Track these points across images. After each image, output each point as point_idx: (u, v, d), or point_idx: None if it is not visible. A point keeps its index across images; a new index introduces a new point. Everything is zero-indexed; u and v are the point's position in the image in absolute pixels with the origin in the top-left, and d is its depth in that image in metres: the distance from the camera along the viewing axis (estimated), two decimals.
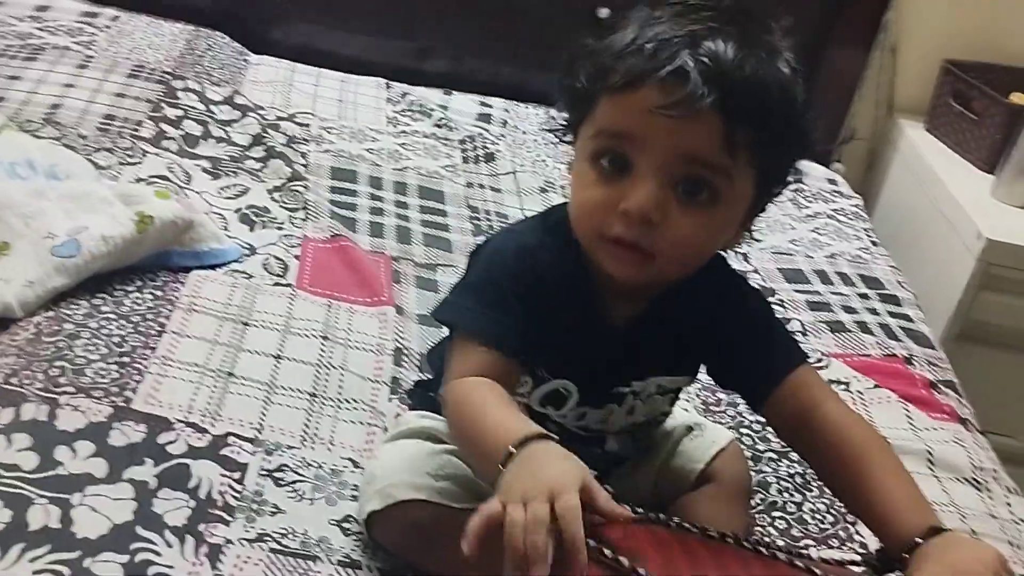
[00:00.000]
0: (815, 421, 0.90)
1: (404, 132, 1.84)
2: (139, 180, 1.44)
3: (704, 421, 1.10)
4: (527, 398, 0.94)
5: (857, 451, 0.87)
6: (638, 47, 0.80)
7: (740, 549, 0.75)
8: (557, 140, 0.93)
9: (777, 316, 0.99)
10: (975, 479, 1.22)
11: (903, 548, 0.79)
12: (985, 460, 1.26)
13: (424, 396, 1.03)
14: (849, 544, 1.09)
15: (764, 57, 0.80)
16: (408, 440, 0.98)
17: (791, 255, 1.70)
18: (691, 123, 0.78)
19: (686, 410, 1.14)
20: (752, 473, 1.10)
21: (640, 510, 0.74)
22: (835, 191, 1.97)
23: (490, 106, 2.00)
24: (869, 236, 1.82)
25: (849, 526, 1.11)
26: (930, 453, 1.24)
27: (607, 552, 0.68)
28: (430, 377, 1.09)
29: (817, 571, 0.73)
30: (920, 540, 0.78)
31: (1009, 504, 1.21)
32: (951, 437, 1.29)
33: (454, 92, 2.01)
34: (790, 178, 0.88)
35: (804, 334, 1.46)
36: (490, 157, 1.83)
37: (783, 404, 0.91)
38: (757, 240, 1.72)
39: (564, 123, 0.90)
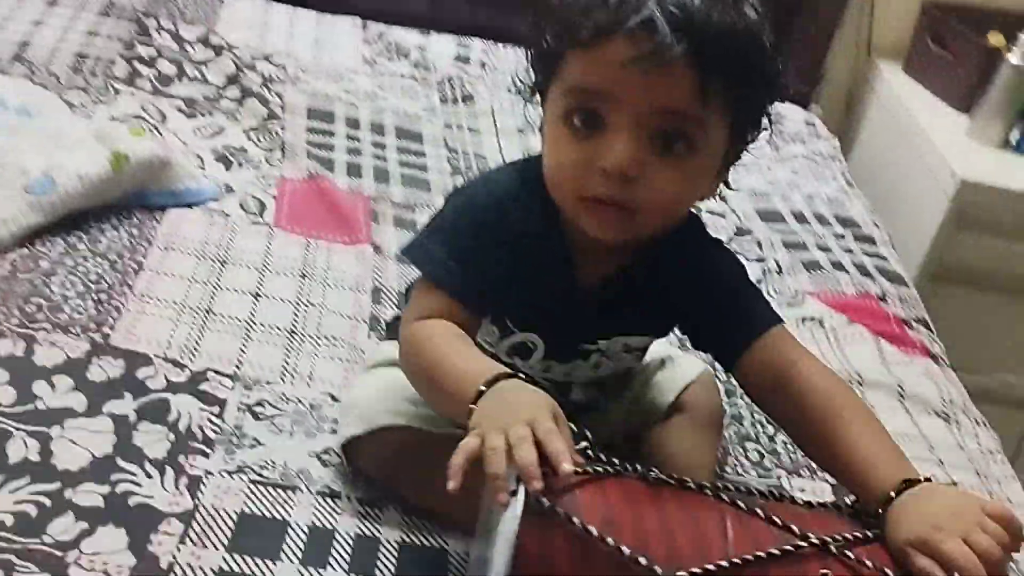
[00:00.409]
0: (787, 380, 0.87)
1: (381, 73, 1.83)
2: (113, 119, 1.43)
3: (677, 353, 1.11)
4: (494, 347, 0.94)
5: (830, 407, 0.85)
6: (603, 0, 0.79)
7: (718, 502, 0.72)
8: (525, 101, 0.91)
9: (750, 279, 0.97)
10: (944, 412, 1.24)
11: (878, 503, 0.77)
12: (954, 394, 1.29)
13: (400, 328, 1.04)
14: (820, 475, 1.11)
15: (730, 2, 0.79)
16: (386, 368, 0.98)
17: (768, 196, 1.70)
18: (662, 75, 0.77)
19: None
20: (725, 406, 1.12)
21: (615, 462, 0.73)
22: (812, 133, 1.97)
23: (468, 47, 1.98)
24: (845, 177, 1.83)
25: None
26: (901, 387, 1.26)
27: (543, 501, 0.66)
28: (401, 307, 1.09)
29: (793, 527, 0.70)
30: (894, 494, 0.76)
31: (977, 436, 1.23)
32: (922, 372, 1.31)
33: (431, 32, 1.99)
34: (763, 124, 0.87)
35: (780, 273, 1.48)
36: (468, 98, 1.82)
37: (755, 366, 0.90)
38: (732, 189, 1.72)
39: (532, 85, 0.89)
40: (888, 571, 0.69)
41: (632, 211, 0.82)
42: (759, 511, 0.72)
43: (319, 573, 0.85)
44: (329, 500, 0.93)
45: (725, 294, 0.93)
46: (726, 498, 0.72)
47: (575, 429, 0.73)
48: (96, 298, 1.10)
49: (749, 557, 0.68)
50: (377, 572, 0.87)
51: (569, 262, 0.90)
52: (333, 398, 1.06)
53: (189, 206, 1.31)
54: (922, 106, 1.92)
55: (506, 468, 0.67)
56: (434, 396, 0.85)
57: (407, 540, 0.91)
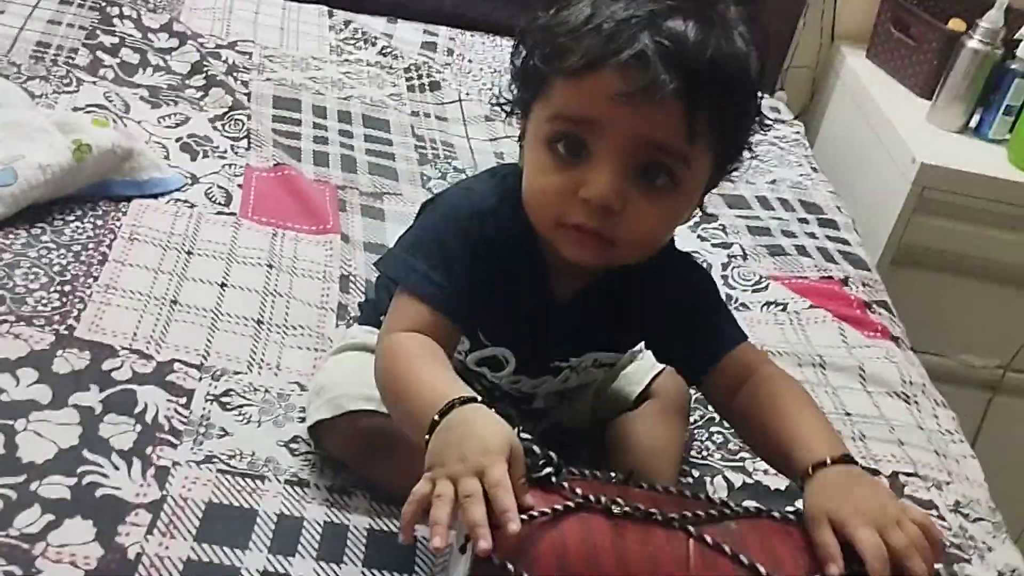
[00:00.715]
0: (743, 384, 0.89)
1: (348, 60, 1.83)
2: (76, 109, 1.42)
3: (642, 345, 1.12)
4: (463, 358, 0.94)
5: (773, 395, 0.87)
6: (595, 27, 0.77)
7: (685, 535, 0.70)
8: (505, 116, 0.89)
9: (720, 295, 0.98)
10: (904, 393, 1.27)
11: (804, 472, 0.78)
12: (914, 375, 1.31)
13: (370, 312, 1.04)
14: None
15: (722, 34, 0.78)
16: (355, 352, 0.99)
17: (733, 181, 1.70)
18: (651, 109, 0.76)
19: None
20: (691, 390, 1.13)
21: (577, 491, 0.69)
22: (777, 118, 1.99)
23: (435, 34, 1.98)
24: (810, 162, 1.85)
25: None
26: (862, 369, 1.29)
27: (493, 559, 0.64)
28: (370, 295, 1.09)
29: (760, 569, 0.68)
30: (814, 468, 0.77)
31: (936, 416, 1.26)
32: (883, 354, 1.34)
33: (398, 20, 1.98)
34: (744, 155, 0.87)
35: (744, 258, 1.50)
36: (435, 86, 1.82)
37: (718, 381, 0.91)
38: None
39: (513, 100, 0.87)
40: None
41: (611, 241, 0.82)
42: (726, 548, 0.69)
43: (288, 562, 0.86)
44: (297, 488, 0.94)
45: (694, 314, 0.94)
46: (693, 531, 0.69)
47: (538, 451, 0.71)
48: (60, 290, 1.10)
49: None
50: (346, 559, 0.88)
51: (544, 278, 0.90)
52: (301, 387, 1.06)
53: (154, 196, 1.30)
54: (884, 91, 1.94)
55: (457, 521, 0.64)
56: (399, 418, 0.82)
57: (376, 527, 0.91)
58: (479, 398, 0.74)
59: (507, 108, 0.89)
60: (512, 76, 0.87)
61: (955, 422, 1.26)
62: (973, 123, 1.82)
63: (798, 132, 1.96)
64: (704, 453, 1.11)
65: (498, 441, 0.68)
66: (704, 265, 1.36)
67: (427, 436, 0.72)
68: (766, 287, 1.43)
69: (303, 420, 1.00)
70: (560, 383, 0.97)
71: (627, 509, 0.69)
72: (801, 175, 1.79)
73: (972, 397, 1.85)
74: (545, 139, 0.82)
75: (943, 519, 1.07)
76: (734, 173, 0.89)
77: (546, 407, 1.00)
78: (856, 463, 0.79)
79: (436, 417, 0.72)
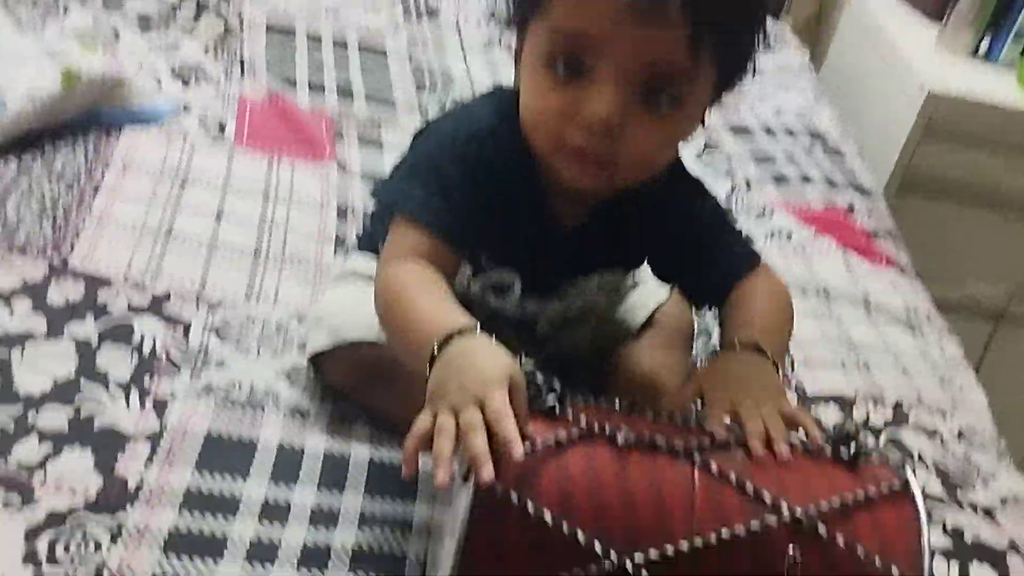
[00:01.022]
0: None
1: None
2: (64, 36, 1.38)
3: (646, 273, 1.10)
4: (467, 284, 0.93)
5: (755, 288, 0.91)
6: None
7: (689, 464, 0.68)
8: (502, 29, 0.88)
9: (728, 221, 0.97)
10: (909, 322, 1.26)
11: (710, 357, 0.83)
12: (919, 304, 1.30)
13: (370, 239, 1.02)
14: (786, 385, 1.12)
15: None
16: (355, 281, 0.97)
17: (738, 109, 1.69)
18: (656, 27, 0.73)
19: None
20: (695, 319, 1.12)
21: (582, 419, 0.68)
22: (783, 45, 1.95)
23: None
24: (815, 90, 1.81)
25: (787, 369, 1.14)
26: (867, 298, 1.27)
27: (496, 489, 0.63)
28: (370, 223, 1.07)
29: (766, 496, 0.67)
30: (724, 347, 0.83)
31: (940, 344, 1.25)
32: (888, 283, 1.32)
33: None
34: (748, 71, 0.85)
35: (748, 187, 1.47)
36: (433, 12, 1.77)
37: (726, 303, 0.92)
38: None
39: (510, 16, 0.84)
40: (858, 548, 0.67)
41: (612, 164, 0.80)
42: (731, 476, 0.68)
43: (289, 489, 0.86)
44: (297, 419, 0.93)
45: (697, 247, 0.93)
46: (698, 459, 0.68)
47: (541, 381, 0.70)
48: (53, 220, 1.08)
49: (712, 539, 0.65)
50: (346, 487, 0.87)
51: (544, 204, 0.88)
52: (299, 319, 1.05)
53: (146, 124, 1.27)
54: (892, 16, 1.90)
55: (458, 453, 0.63)
56: (398, 348, 0.80)
57: (376, 456, 0.91)
58: (479, 327, 0.72)
59: (505, 23, 0.86)
60: None
61: (960, 351, 1.26)
62: (983, 48, 1.78)
63: (804, 58, 1.91)
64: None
65: (498, 371, 0.66)
66: None
67: (428, 368, 0.70)
68: (771, 216, 1.41)
69: (301, 350, 0.99)
70: (564, 306, 0.95)
71: (631, 438, 0.68)
72: (807, 102, 1.76)
73: (977, 326, 1.84)
74: (543, 58, 0.79)
75: (947, 447, 1.07)
76: (736, 94, 0.87)
77: (550, 333, 0.99)
78: (764, 352, 0.82)
79: (435, 349, 0.70)
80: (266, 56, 1.51)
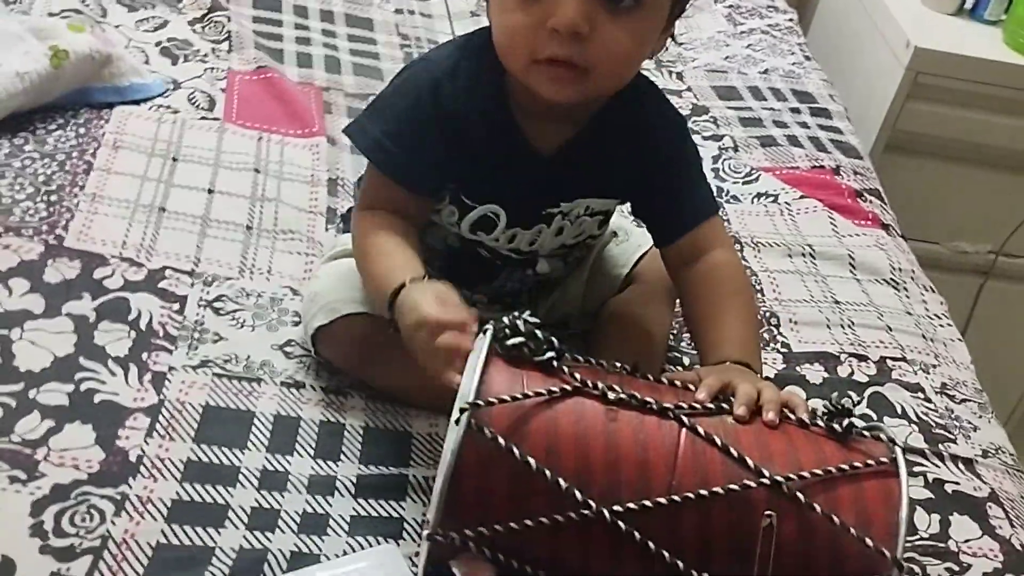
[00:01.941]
0: (699, 262, 0.94)
1: None
2: (51, 15, 1.38)
3: (629, 226, 1.12)
4: (457, 227, 0.95)
5: (712, 286, 0.92)
6: None
7: (678, 425, 0.71)
8: None
9: (693, 153, 1.00)
10: (893, 279, 1.28)
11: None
12: (904, 262, 1.32)
13: None
14: (773, 345, 1.14)
15: None
16: (345, 259, 0.99)
17: (725, 72, 1.70)
18: None
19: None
20: None
21: (576, 375, 0.72)
22: (770, 6, 1.95)
23: None
24: (803, 51, 1.81)
25: (773, 329, 1.16)
26: (851, 257, 1.29)
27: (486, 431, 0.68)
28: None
29: (749, 461, 0.69)
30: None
31: (925, 301, 1.27)
32: (873, 242, 1.34)
33: None
34: None
35: (735, 149, 1.49)
36: None
37: (679, 252, 0.95)
38: (678, 43, 1.71)
39: None
40: (835, 517, 0.68)
41: (585, 70, 0.82)
42: (717, 440, 0.70)
43: (286, 460, 0.88)
44: (293, 391, 0.95)
45: (668, 176, 0.96)
46: (687, 421, 0.71)
47: (540, 336, 0.73)
48: (47, 199, 1.09)
49: (691, 495, 0.67)
50: (343, 456, 0.90)
51: (518, 130, 0.90)
52: (293, 292, 1.07)
53: (136, 103, 1.28)
54: None
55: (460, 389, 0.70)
56: (368, 298, 0.92)
57: (371, 424, 0.93)
58: (422, 275, 0.83)
59: None
60: None
61: (943, 306, 1.28)
62: (968, 4, 1.78)
63: (791, 20, 1.92)
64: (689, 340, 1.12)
65: (426, 303, 0.78)
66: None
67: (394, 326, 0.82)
68: (757, 178, 1.43)
69: (297, 324, 1.01)
70: (555, 234, 0.97)
71: (623, 396, 0.71)
72: (794, 64, 1.76)
73: (964, 282, 1.86)
74: None
75: (930, 401, 1.09)
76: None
77: (550, 270, 1.01)
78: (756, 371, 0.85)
79: (388, 311, 0.82)
80: (253, 30, 1.51)
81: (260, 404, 0.93)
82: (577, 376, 0.72)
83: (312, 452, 0.89)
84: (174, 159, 1.21)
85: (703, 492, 0.67)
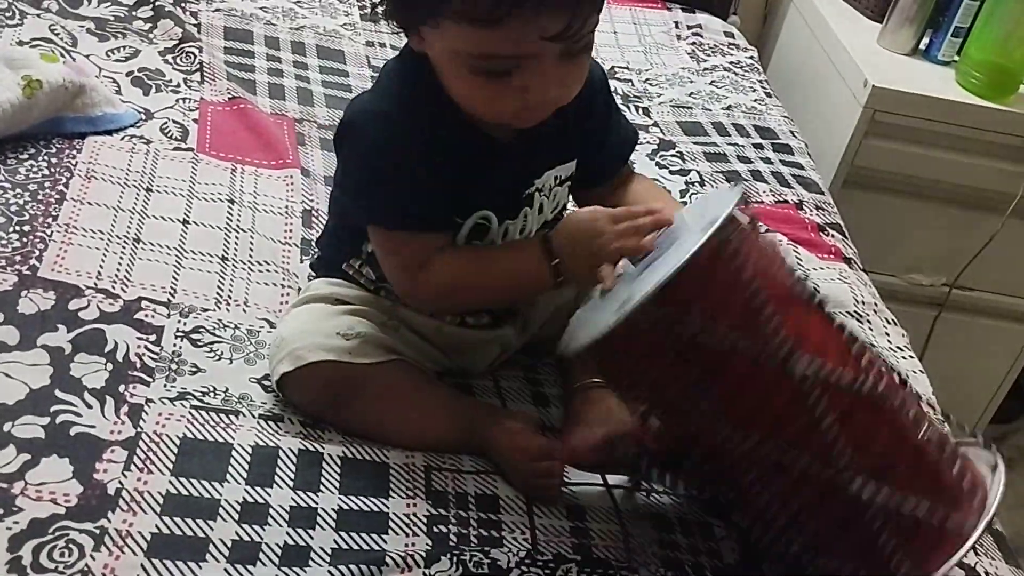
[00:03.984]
0: (631, 182, 1.06)
1: None
2: (21, 43, 1.38)
3: None
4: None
5: (629, 186, 1.06)
6: None
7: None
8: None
9: (614, 98, 1.07)
10: (857, 312, 1.31)
11: None
12: (867, 295, 1.35)
13: (331, 263, 1.04)
14: None
15: None
16: (315, 304, 1.00)
17: (690, 108, 1.73)
18: (578, 22, 0.80)
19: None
20: None
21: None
22: (732, 43, 2.00)
23: None
24: (764, 88, 1.86)
25: None
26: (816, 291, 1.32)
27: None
28: (323, 249, 1.09)
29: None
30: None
31: (887, 334, 1.30)
32: (836, 276, 1.37)
33: None
34: None
35: (702, 184, 1.52)
36: None
37: (618, 178, 1.06)
38: (657, 94, 1.75)
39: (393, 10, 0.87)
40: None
41: (555, 106, 0.88)
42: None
43: (266, 492, 0.88)
44: (271, 423, 0.95)
45: (608, 120, 1.04)
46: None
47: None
48: (20, 230, 1.08)
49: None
50: (322, 487, 0.90)
51: (475, 130, 0.92)
52: (270, 324, 1.07)
53: (108, 133, 1.28)
54: (836, 14, 1.95)
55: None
56: (501, 298, 0.99)
57: (350, 454, 0.94)
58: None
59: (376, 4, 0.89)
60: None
61: (905, 339, 1.31)
62: (923, 45, 1.84)
63: (752, 57, 1.97)
64: None
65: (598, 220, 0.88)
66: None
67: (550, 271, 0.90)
68: None
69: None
70: (538, 212, 1.00)
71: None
72: (756, 100, 1.81)
73: (920, 314, 1.91)
74: (466, 68, 0.83)
75: None
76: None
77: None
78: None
79: (548, 259, 0.90)
80: (225, 61, 1.52)
81: (238, 436, 0.93)
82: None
83: (292, 483, 0.89)
84: (148, 190, 1.21)
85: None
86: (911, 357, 1.28)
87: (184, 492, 0.86)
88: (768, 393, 0.76)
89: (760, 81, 1.89)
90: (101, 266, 1.07)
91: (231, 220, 1.20)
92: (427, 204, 0.90)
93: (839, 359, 0.77)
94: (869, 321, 1.30)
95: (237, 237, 1.18)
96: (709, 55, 1.93)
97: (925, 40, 1.84)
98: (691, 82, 1.82)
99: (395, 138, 0.89)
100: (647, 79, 1.80)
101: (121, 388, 0.94)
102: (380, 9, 0.88)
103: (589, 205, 1.00)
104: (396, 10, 0.86)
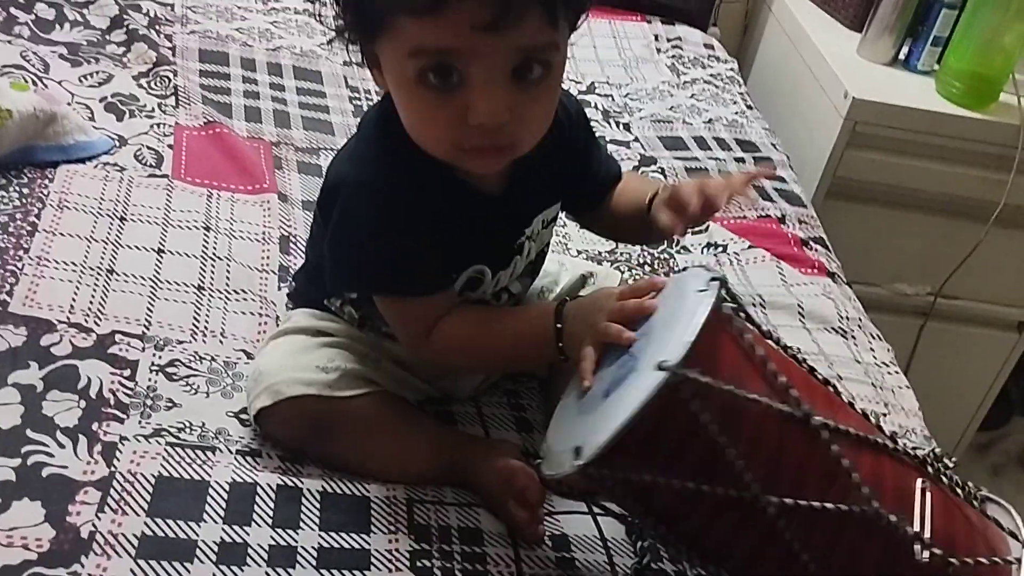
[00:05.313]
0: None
1: (274, 9, 1.78)
2: None
3: (596, 268, 1.17)
4: None
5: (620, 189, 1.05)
6: None
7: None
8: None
9: (592, 129, 1.06)
10: (841, 328, 1.30)
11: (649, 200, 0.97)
12: (851, 310, 1.35)
13: (310, 296, 1.03)
14: None
15: None
16: (293, 336, 0.98)
17: (671, 123, 1.73)
18: (516, 22, 0.76)
19: (571, 259, 1.24)
20: None
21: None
22: (712, 56, 1.99)
23: None
24: (744, 100, 1.86)
25: None
26: (800, 307, 1.32)
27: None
28: (302, 284, 1.07)
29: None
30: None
31: (872, 349, 1.30)
32: (820, 291, 1.37)
33: None
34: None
35: None
36: None
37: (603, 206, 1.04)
38: (637, 108, 1.75)
39: (345, 28, 0.83)
40: None
41: (511, 144, 0.84)
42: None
43: (244, 531, 0.86)
44: (249, 459, 0.93)
45: (590, 156, 1.03)
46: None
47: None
48: None
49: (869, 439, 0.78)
50: (302, 524, 0.88)
51: (465, 186, 0.90)
52: (247, 355, 1.05)
53: (81, 161, 1.26)
54: (815, 25, 1.95)
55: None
56: (520, 358, 0.98)
57: (329, 489, 0.92)
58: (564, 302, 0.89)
59: (336, 29, 0.85)
60: (341, 5, 0.83)
61: (890, 354, 1.30)
62: (902, 55, 1.84)
63: (732, 69, 1.96)
64: None
65: (602, 299, 0.85)
66: None
67: (555, 340, 0.87)
68: (706, 228, 1.45)
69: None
70: (525, 259, 0.99)
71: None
72: (736, 113, 1.80)
73: (905, 324, 1.90)
74: (412, 77, 0.80)
75: None
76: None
77: (521, 289, 1.03)
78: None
79: (555, 327, 0.87)
80: (200, 84, 1.50)
81: (215, 473, 0.91)
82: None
83: (270, 520, 0.88)
84: (122, 219, 1.19)
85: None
86: (896, 372, 1.27)
87: (160, 533, 0.84)
88: (742, 530, 0.77)
89: (741, 93, 1.88)
90: (74, 299, 1.05)
91: (207, 248, 1.19)
92: (424, 269, 0.89)
93: (817, 494, 0.74)
94: (854, 337, 1.30)
95: (213, 265, 1.16)
96: (689, 68, 1.93)
97: (905, 49, 1.84)
98: (671, 96, 1.81)
99: (384, 213, 0.87)
100: (627, 93, 1.79)
101: (95, 426, 0.92)
102: (337, 24, 0.85)
103: (586, 223, 1.06)
104: (353, 19, 0.83)
